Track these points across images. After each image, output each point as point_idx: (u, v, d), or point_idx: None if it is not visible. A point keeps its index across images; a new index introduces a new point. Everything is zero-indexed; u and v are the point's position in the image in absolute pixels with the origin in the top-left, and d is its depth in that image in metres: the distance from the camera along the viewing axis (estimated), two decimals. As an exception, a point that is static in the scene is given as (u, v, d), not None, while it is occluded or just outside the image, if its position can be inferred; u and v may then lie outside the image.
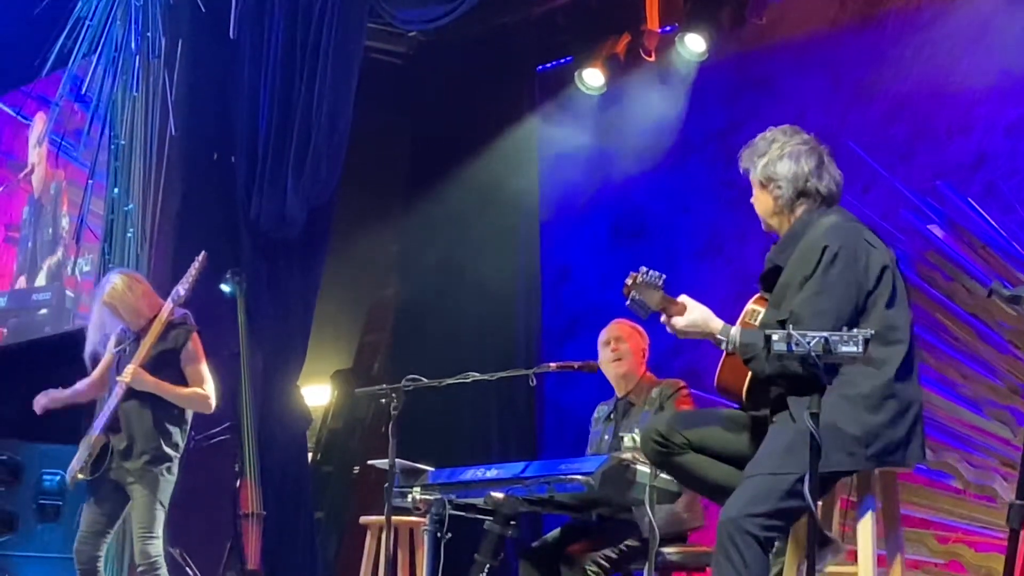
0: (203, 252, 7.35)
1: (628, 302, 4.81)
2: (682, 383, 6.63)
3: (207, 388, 7.24)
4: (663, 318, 4.80)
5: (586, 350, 7.25)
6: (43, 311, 10.69)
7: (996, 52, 8.00)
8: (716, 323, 4.72)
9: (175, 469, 7.20)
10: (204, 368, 7.26)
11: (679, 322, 4.75)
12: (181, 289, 7.22)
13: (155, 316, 7.23)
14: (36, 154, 10.91)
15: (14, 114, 11.07)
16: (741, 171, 5.00)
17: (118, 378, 7.18)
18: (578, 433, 8.13)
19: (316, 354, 9.85)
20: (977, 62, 8.13)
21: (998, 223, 7.80)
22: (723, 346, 4.70)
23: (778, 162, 4.85)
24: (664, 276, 4.79)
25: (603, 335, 6.89)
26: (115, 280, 7.35)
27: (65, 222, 10.43)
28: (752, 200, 4.99)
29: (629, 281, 4.80)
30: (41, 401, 7.59)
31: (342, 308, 11.02)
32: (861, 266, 4.64)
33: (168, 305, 7.21)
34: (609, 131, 9.88)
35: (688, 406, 6.50)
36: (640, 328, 6.74)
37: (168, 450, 7.15)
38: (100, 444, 7.19)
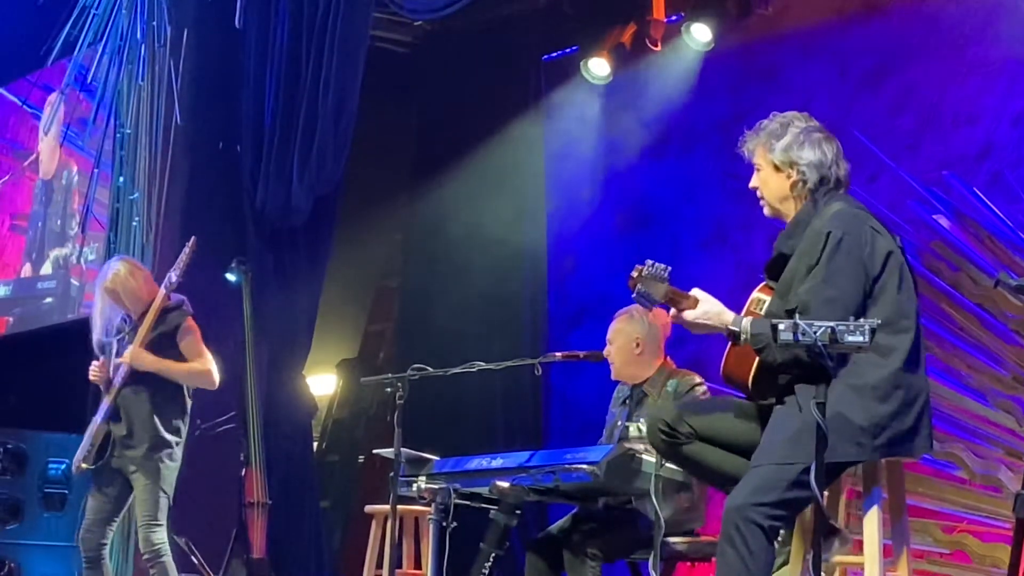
0: (192, 237, 7.33)
1: (634, 295, 4.80)
2: (698, 380, 6.45)
3: (207, 362, 7.25)
4: (672, 312, 4.79)
5: (592, 339, 7.23)
6: (48, 299, 10.70)
7: (1003, 42, 7.99)
8: (728, 315, 4.71)
9: (177, 456, 7.20)
10: (201, 344, 7.27)
11: (691, 314, 4.73)
12: (173, 275, 7.23)
13: (149, 302, 7.25)
14: (48, 137, 10.86)
15: (20, 103, 11.07)
16: (745, 152, 4.95)
17: (117, 360, 7.20)
18: (584, 422, 8.14)
19: (321, 343, 9.86)
20: (984, 52, 8.13)
21: (1004, 213, 7.79)
22: (736, 338, 4.69)
23: (801, 147, 4.82)
24: (669, 268, 4.77)
25: None
26: (117, 266, 7.37)
27: (74, 223, 10.39)
28: (756, 183, 4.94)
29: (634, 274, 4.78)
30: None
31: (347, 297, 11.03)
32: (866, 252, 4.62)
33: (161, 292, 7.23)
34: (615, 121, 9.87)
35: None
36: (636, 316, 6.53)
37: (168, 436, 7.15)
38: (102, 433, 7.21)
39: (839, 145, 4.88)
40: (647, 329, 6.54)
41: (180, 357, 7.23)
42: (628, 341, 6.54)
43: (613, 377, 6.66)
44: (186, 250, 7.28)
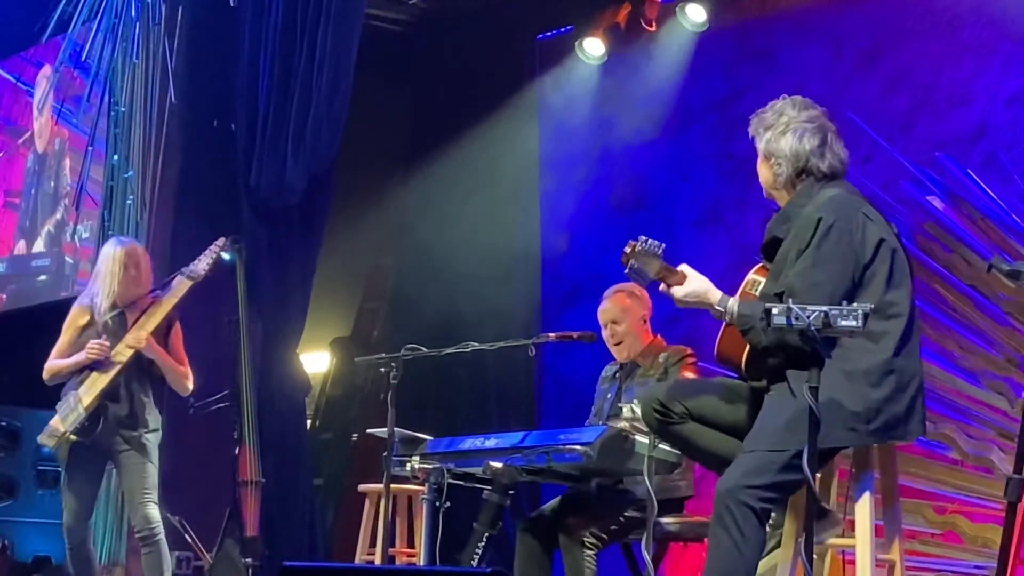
0: (222, 238, 7.43)
1: (627, 270, 4.80)
2: (688, 351, 6.50)
3: (188, 369, 7.35)
4: (662, 287, 4.80)
5: (586, 319, 7.23)
6: (42, 277, 10.69)
7: (997, 23, 7.99)
8: (715, 294, 4.72)
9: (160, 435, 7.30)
10: (183, 349, 7.38)
11: (678, 292, 4.75)
12: (201, 266, 7.32)
13: (147, 292, 7.30)
14: (43, 113, 10.85)
15: (14, 80, 11.05)
16: (751, 136, 4.97)
17: (129, 346, 7.16)
18: (577, 402, 8.14)
19: (315, 321, 9.85)
20: (978, 33, 8.12)
21: (997, 195, 7.81)
22: (721, 317, 4.71)
23: (780, 138, 4.80)
24: (663, 245, 4.78)
25: (600, 314, 6.72)
26: (135, 243, 7.49)
27: (67, 180, 10.40)
28: (758, 167, 4.98)
29: (628, 250, 4.79)
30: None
31: (341, 275, 11.02)
32: (857, 239, 4.61)
33: (186, 281, 7.30)
34: (609, 100, 9.87)
35: (692, 374, 6.41)
36: (637, 292, 6.57)
37: (159, 422, 7.27)
38: (92, 408, 7.15)
39: (831, 135, 4.84)
40: (647, 304, 6.62)
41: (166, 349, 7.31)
42: (637, 319, 6.61)
43: (623, 359, 6.66)
44: (214, 248, 7.40)
